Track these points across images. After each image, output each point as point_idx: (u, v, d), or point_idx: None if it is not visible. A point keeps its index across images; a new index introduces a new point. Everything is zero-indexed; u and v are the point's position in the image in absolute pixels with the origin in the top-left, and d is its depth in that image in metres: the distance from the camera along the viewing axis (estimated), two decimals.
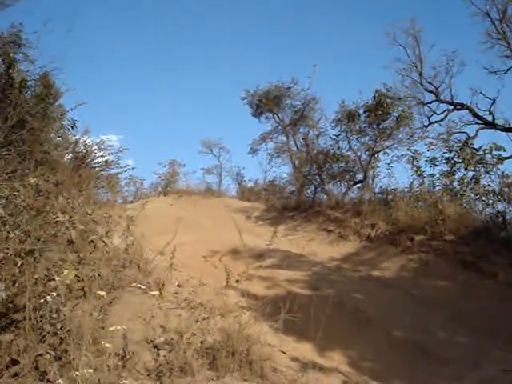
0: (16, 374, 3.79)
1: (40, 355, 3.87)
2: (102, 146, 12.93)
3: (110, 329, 4.20)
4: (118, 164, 13.11)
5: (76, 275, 4.61)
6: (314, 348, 6.56)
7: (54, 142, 11.12)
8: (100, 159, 12.65)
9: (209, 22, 43.57)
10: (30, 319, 4.01)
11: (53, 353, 3.88)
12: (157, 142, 42.69)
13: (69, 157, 11.98)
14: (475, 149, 14.34)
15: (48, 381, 3.70)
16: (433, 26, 28.75)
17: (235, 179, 25.63)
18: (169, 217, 14.24)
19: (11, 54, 10.01)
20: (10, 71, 9.95)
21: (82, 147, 12.45)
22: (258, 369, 5.03)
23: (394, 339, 7.64)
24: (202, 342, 5.10)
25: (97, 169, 12.49)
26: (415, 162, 15.26)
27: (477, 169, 13.82)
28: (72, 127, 11.44)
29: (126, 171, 13.64)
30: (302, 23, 41.68)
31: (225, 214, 16.73)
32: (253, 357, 5.11)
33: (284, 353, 6.26)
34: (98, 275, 5.23)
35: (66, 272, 4.31)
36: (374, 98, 17.80)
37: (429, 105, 16.89)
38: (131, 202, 17.95)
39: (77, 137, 12.24)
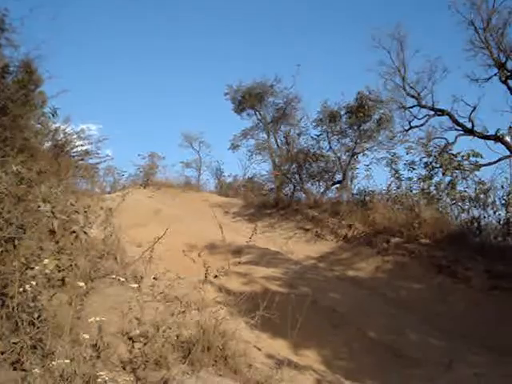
0: None
1: (16, 344, 3.84)
2: (82, 135, 12.84)
3: (89, 320, 4.18)
4: (98, 154, 13.03)
5: (56, 265, 4.58)
6: (289, 345, 6.61)
7: (34, 129, 10.99)
8: (79, 148, 12.56)
9: (194, 15, 43.46)
10: (7, 307, 3.97)
11: (29, 342, 3.85)
12: (137, 133, 42.58)
13: (48, 145, 11.86)
14: (453, 154, 14.45)
15: (24, 370, 3.67)
16: (418, 31, 29.04)
17: (214, 174, 25.60)
18: (147, 209, 14.23)
19: None
20: None
21: (62, 135, 12.34)
22: (233, 364, 5.04)
23: (368, 340, 7.71)
24: (177, 336, 5.08)
25: (76, 158, 12.39)
26: (394, 165, 15.39)
27: (454, 174, 13.95)
28: (53, 115, 11.32)
29: (105, 161, 13.57)
30: (289, 21, 41.81)
31: (203, 208, 16.74)
32: (228, 352, 5.12)
33: (259, 349, 6.29)
34: (76, 265, 5.19)
35: (46, 261, 4.28)
36: (356, 99, 17.90)
37: (410, 109, 17.02)
38: (109, 192, 17.87)
39: (57, 125, 12.13)
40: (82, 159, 12.55)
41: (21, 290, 3.97)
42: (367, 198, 15.75)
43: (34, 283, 4.01)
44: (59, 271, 4.70)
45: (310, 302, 6.42)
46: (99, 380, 3.66)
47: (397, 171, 15.20)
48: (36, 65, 11.04)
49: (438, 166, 14.44)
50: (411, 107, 16.99)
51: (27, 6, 10.39)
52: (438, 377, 6.52)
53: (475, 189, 12.83)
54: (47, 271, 4.26)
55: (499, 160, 14.16)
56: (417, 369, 6.86)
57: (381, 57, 17.28)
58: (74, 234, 5.52)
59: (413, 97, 16.82)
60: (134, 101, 45.80)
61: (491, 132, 14.94)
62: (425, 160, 14.87)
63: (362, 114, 17.65)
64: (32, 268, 4.26)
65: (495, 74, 14.73)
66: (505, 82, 14.49)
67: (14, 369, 3.76)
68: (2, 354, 3.79)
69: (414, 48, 16.86)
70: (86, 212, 6.11)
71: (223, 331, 5.25)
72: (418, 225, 12.07)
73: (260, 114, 22.17)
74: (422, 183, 14.47)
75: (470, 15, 14.59)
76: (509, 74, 14.37)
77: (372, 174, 16.94)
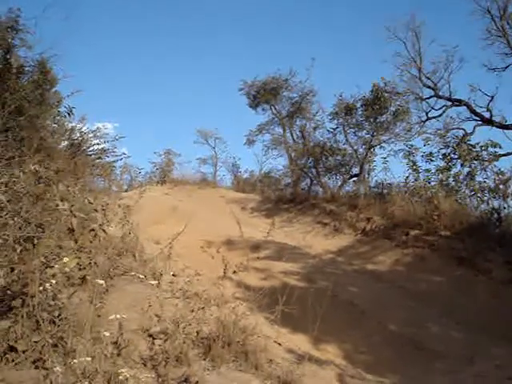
0: (13, 361, 3.78)
1: (37, 342, 3.85)
2: (98, 134, 12.87)
3: (109, 317, 4.19)
4: (114, 152, 13.06)
5: (77, 263, 4.60)
6: (309, 340, 6.59)
7: (50, 128, 11.05)
8: (96, 147, 12.60)
9: (208, 12, 43.46)
10: (27, 306, 3.99)
11: (50, 340, 3.86)
12: (153, 130, 42.67)
13: (65, 144, 11.92)
14: (472, 145, 14.33)
15: (45, 368, 3.68)
16: (433, 21, 28.73)
17: (230, 170, 25.60)
18: (164, 206, 14.26)
19: (9, 40, 9.92)
20: (8, 57, 9.87)
21: (78, 134, 12.39)
22: (253, 360, 5.02)
23: (389, 333, 7.67)
24: (197, 332, 5.08)
25: (92, 156, 12.43)
26: (411, 157, 15.28)
27: (472, 165, 13.84)
28: (69, 114, 11.36)
29: (121, 159, 13.60)
30: (302, 15, 41.67)
31: (220, 204, 16.76)
32: (248, 348, 5.11)
33: (280, 344, 6.27)
34: (95, 263, 5.20)
35: (66, 259, 4.29)
36: (372, 92, 17.78)
37: (427, 100, 16.86)
38: (126, 190, 17.94)
39: (73, 124, 12.17)
40: (98, 158, 12.58)
41: (41, 288, 3.98)
42: (385, 191, 15.71)
43: (53, 282, 4.03)
44: (79, 269, 4.72)
45: (330, 296, 6.39)
46: (120, 377, 3.67)
47: (414, 163, 15.10)
48: (50, 65, 11.08)
49: (456, 157, 14.35)
50: (428, 98, 16.84)
51: (40, 6, 10.43)
52: (459, 370, 6.46)
53: (494, 179, 12.70)
54: (67, 269, 4.27)
55: None
56: (438, 362, 6.81)
57: (396, 48, 17.18)
58: (93, 232, 5.54)
59: (429, 87, 16.66)
60: (150, 99, 46.02)
61: (510, 121, 14.77)
62: (443, 151, 14.81)
63: (378, 107, 17.54)
64: (52, 267, 4.27)
65: None
66: None
67: (36, 367, 3.78)
68: (24, 352, 3.81)
69: (429, 38, 16.70)
70: (104, 210, 6.13)
71: (243, 327, 5.24)
72: (437, 217, 11.97)
73: (275, 108, 22.14)
74: (440, 175, 14.38)
75: (486, 3, 14.43)
76: None
77: (389, 166, 16.85)
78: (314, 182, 19.56)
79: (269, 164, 23.65)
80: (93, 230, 5.54)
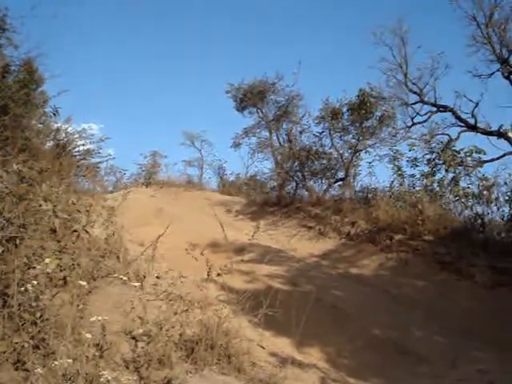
0: None
1: (18, 344, 3.82)
2: (84, 135, 12.81)
3: (91, 319, 4.16)
4: (99, 153, 13.00)
5: (58, 264, 4.56)
6: (292, 344, 6.58)
7: (35, 128, 10.97)
8: (81, 148, 12.53)
9: (194, 14, 43.36)
10: (8, 307, 3.95)
11: (31, 342, 3.82)
12: (139, 132, 42.48)
13: (50, 144, 11.84)
14: (456, 151, 14.43)
15: (26, 370, 3.65)
16: (419, 27, 28.75)
17: (216, 172, 25.50)
18: (149, 208, 14.20)
19: None
20: None
21: (64, 135, 12.31)
22: (236, 363, 5.03)
23: (372, 337, 7.69)
24: (180, 335, 5.07)
25: (78, 157, 12.36)
26: (396, 162, 15.38)
27: (457, 171, 13.93)
28: (54, 114, 11.29)
29: (106, 161, 13.54)
30: (289, 18, 41.69)
31: (205, 206, 16.70)
32: (232, 351, 5.11)
33: (263, 348, 6.27)
34: (78, 265, 5.17)
35: (47, 260, 4.26)
36: (358, 96, 17.84)
37: (412, 106, 16.85)
38: (111, 191, 17.83)
39: (58, 124, 12.10)
40: (83, 159, 12.51)
41: (22, 289, 3.95)
42: (370, 196, 15.78)
43: (35, 283, 3.99)
44: (61, 270, 4.68)
45: (314, 299, 6.40)
46: (102, 379, 3.64)
47: (399, 168, 15.21)
48: (37, 64, 11.02)
49: (440, 162, 14.44)
50: (414, 104, 16.85)
51: (27, 5, 10.34)
52: (442, 374, 6.51)
53: (478, 185, 12.81)
54: (49, 270, 4.24)
55: (502, 156, 14.04)
56: (421, 366, 6.85)
57: (382, 53, 17.16)
58: (76, 233, 5.50)
59: (415, 93, 16.70)
60: (136, 100, 45.65)
61: (494, 128, 14.85)
62: (427, 157, 14.91)
63: (364, 111, 17.59)
64: (34, 267, 4.24)
65: (498, 70, 14.56)
66: (507, 78, 14.37)
67: (16, 369, 3.74)
68: (4, 353, 3.77)
69: (415, 44, 16.72)
70: (87, 211, 6.09)
71: (226, 330, 5.24)
72: (421, 222, 12.05)
73: (262, 111, 22.10)
74: (424, 180, 14.49)
75: (472, 10, 14.48)
76: (511, 69, 14.29)
77: (375, 171, 16.96)
78: (300, 185, 19.55)
79: (255, 167, 23.56)
80: (75, 231, 5.50)
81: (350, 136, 18.60)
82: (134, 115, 45.20)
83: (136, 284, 5.91)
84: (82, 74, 40.14)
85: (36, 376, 3.47)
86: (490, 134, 14.93)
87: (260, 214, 17.64)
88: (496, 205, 11.97)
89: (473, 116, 15.36)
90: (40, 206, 4.98)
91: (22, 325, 3.88)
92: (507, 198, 11.84)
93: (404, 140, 16.67)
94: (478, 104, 15.16)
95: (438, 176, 14.34)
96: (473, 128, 15.38)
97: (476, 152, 13.91)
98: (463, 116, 15.60)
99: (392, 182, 15.35)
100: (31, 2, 9.99)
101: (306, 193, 19.07)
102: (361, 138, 18.18)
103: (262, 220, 15.60)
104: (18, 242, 4.53)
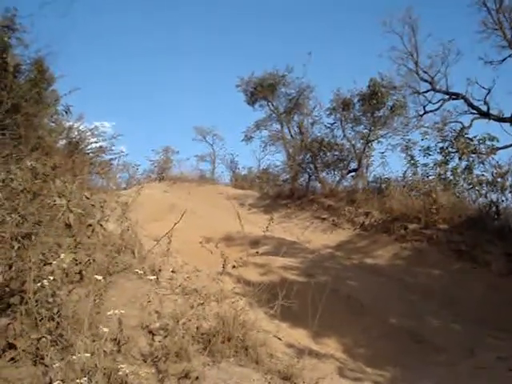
0: (12, 358, 3.77)
1: (36, 339, 3.85)
2: (96, 133, 12.85)
3: (108, 313, 4.18)
4: (112, 150, 13.04)
5: (74, 259, 4.59)
6: (309, 334, 6.60)
7: (48, 127, 11.01)
8: (94, 145, 12.57)
9: (205, 9, 43.38)
10: (26, 303, 3.98)
11: (49, 337, 3.85)
12: (151, 128, 42.60)
13: (63, 142, 11.89)
14: (469, 138, 14.36)
15: (44, 365, 3.68)
16: (429, 15, 28.60)
17: (229, 167, 25.59)
18: (163, 203, 14.25)
19: (5, 39, 9.88)
20: (4, 56, 9.83)
21: (76, 133, 12.36)
22: (253, 354, 5.03)
23: (388, 326, 7.67)
24: (197, 328, 5.08)
25: (90, 155, 12.41)
26: (409, 151, 15.32)
27: (470, 159, 13.85)
28: (66, 113, 11.33)
29: (119, 158, 13.57)
30: (298, 10, 41.56)
31: (219, 201, 16.75)
32: (248, 343, 5.11)
33: (280, 339, 6.27)
34: (94, 260, 5.19)
35: (62, 256, 4.28)
36: (369, 86, 17.78)
37: (424, 94, 16.82)
38: (124, 188, 17.92)
39: (70, 123, 12.14)
40: (96, 156, 12.56)
41: (39, 285, 3.97)
42: (383, 186, 15.73)
43: (51, 278, 4.02)
44: (76, 265, 4.70)
45: (329, 290, 6.39)
46: (120, 373, 3.67)
47: (412, 157, 15.14)
48: (48, 63, 11.04)
49: (454, 150, 14.35)
50: (425, 92, 16.81)
51: (36, 3, 10.37)
52: (460, 362, 6.48)
53: (492, 173, 12.73)
54: (65, 266, 4.26)
55: None
56: (438, 354, 6.83)
57: (393, 42, 17.11)
58: (91, 228, 5.52)
59: (426, 81, 16.64)
60: (147, 97, 45.91)
61: (507, 114, 14.75)
62: (440, 145, 14.84)
63: (375, 101, 17.55)
64: (50, 263, 4.26)
65: (509, 56, 14.51)
66: None
67: (35, 364, 3.77)
68: (23, 350, 3.80)
69: (425, 32, 16.69)
70: (101, 206, 6.12)
71: (243, 322, 5.24)
72: (435, 210, 12.01)
73: (272, 104, 22.08)
74: (438, 168, 14.40)
75: None
76: None
77: (387, 160, 16.98)
78: (312, 177, 19.56)
79: (267, 160, 23.62)
80: (90, 225, 5.52)
81: (362, 126, 18.66)
82: (145, 112, 45.39)
83: (152, 278, 5.92)
84: (93, 72, 40.33)
85: (55, 371, 3.50)
86: (503, 120, 14.84)
87: (273, 206, 17.65)
88: (510, 192, 11.89)
89: (485, 103, 15.31)
90: (54, 201, 5.01)
91: (40, 320, 3.91)
92: None
93: (416, 129, 16.67)
94: (490, 91, 15.11)
95: (452, 164, 14.31)
96: (485, 115, 15.29)
97: (489, 139, 13.83)
98: (475, 103, 15.55)
99: (405, 171, 15.34)
100: (40, 0, 9.99)
101: (319, 184, 19.07)
102: (373, 128, 18.16)
103: (275, 213, 15.62)
104: (33, 238, 4.56)
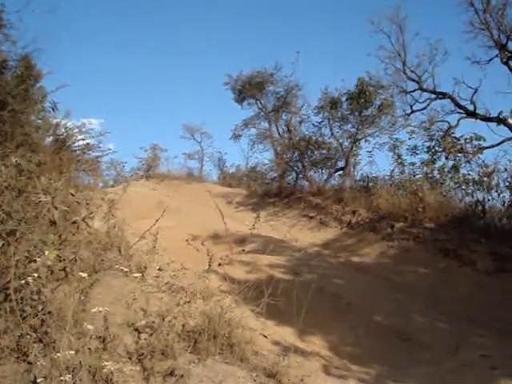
0: None
1: (21, 336, 3.83)
2: (83, 130, 12.80)
3: (93, 310, 4.18)
4: (99, 147, 13.00)
5: (58, 255, 4.57)
6: (295, 332, 6.61)
7: (34, 124, 10.95)
8: (81, 142, 12.52)
9: (192, 7, 43.24)
10: (10, 301, 3.96)
11: (34, 334, 3.85)
12: (138, 126, 42.50)
13: (49, 139, 11.83)
14: (456, 138, 14.42)
15: (29, 362, 3.67)
16: (417, 14, 28.70)
17: (217, 164, 25.56)
18: (150, 201, 14.21)
19: None
20: None
21: (63, 130, 12.30)
22: (239, 352, 5.04)
23: (374, 325, 7.71)
24: (183, 326, 5.08)
25: (78, 152, 12.36)
26: (396, 150, 15.37)
27: (457, 158, 13.91)
28: (53, 109, 11.28)
29: (107, 155, 13.55)
30: (287, 9, 41.56)
31: (206, 199, 16.69)
32: (234, 340, 5.12)
33: (265, 337, 6.28)
34: (79, 258, 5.17)
35: (47, 253, 4.27)
36: (357, 85, 17.83)
37: (411, 93, 16.82)
38: (112, 186, 17.88)
39: (58, 119, 12.08)
40: (83, 153, 12.50)
41: (23, 282, 3.96)
42: (370, 184, 15.80)
43: (36, 276, 4.00)
44: (61, 262, 4.69)
45: (315, 288, 6.42)
46: (105, 370, 3.66)
47: (399, 156, 15.19)
48: (35, 59, 10.99)
49: (440, 149, 14.42)
50: (412, 91, 16.82)
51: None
52: (445, 360, 6.51)
53: (479, 172, 12.80)
54: (49, 263, 4.25)
55: (502, 142, 14.02)
56: (424, 352, 6.86)
57: (381, 41, 17.10)
58: (75, 225, 5.50)
59: (414, 81, 16.66)
60: (136, 95, 45.74)
61: (493, 114, 14.83)
62: (427, 144, 14.88)
63: (363, 100, 17.60)
64: (34, 261, 4.25)
65: (496, 56, 14.54)
66: (506, 64, 14.32)
67: (20, 361, 3.76)
68: (7, 347, 3.79)
69: (413, 31, 16.67)
70: (87, 203, 6.10)
71: (229, 319, 5.24)
72: (421, 209, 12.08)
73: (261, 102, 22.11)
74: (425, 167, 14.47)
75: None
76: (510, 55, 14.19)
77: (375, 159, 16.99)
78: (300, 175, 19.60)
79: (255, 158, 23.61)
80: (75, 222, 5.50)
81: (350, 125, 18.70)
82: (133, 110, 45.26)
83: (138, 276, 5.92)
84: (81, 69, 40.18)
85: (39, 368, 3.49)
86: (490, 120, 14.91)
87: (261, 204, 17.67)
88: (496, 191, 11.96)
89: (472, 102, 15.36)
90: (39, 199, 4.98)
91: (24, 318, 3.89)
92: (507, 184, 11.81)
93: (403, 128, 16.70)
94: (476, 90, 15.16)
95: (438, 163, 14.35)
96: (472, 114, 15.36)
97: (476, 139, 13.87)
98: (462, 103, 15.59)
99: (392, 170, 15.39)
100: None
101: (307, 183, 19.11)
102: (360, 126, 18.21)
103: (262, 211, 15.63)
104: (17, 235, 4.54)
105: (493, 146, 14.13)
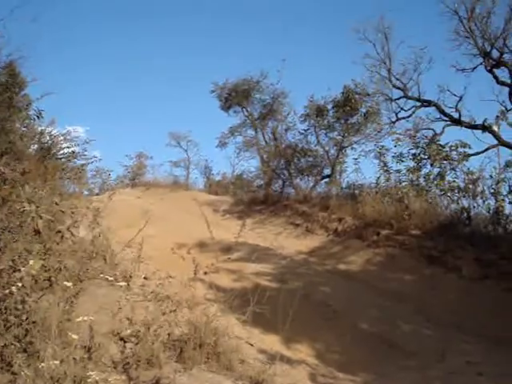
0: None
1: (5, 346, 3.79)
2: (68, 137, 12.76)
3: (77, 320, 4.14)
4: (85, 155, 12.96)
5: (42, 265, 4.53)
6: (281, 340, 6.59)
7: (19, 132, 10.90)
8: (66, 150, 12.48)
9: (178, 13, 43.27)
10: None
11: (18, 344, 3.80)
12: (124, 134, 42.39)
13: (34, 147, 11.78)
14: (441, 145, 14.49)
15: (13, 373, 3.63)
16: (402, 22, 28.97)
17: (203, 172, 25.57)
18: (136, 209, 14.17)
19: None
20: None
21: (48, 138, 12.25)
22: (225, 361, 5.01)
23: (361, 332, 7.72)
24: (169, 335, 5.05)
25: (63, 160, 12.31)
26: (382, 158, 15.42)
27: (442, 165, 13.98)
28: (38, 117, 11.24)
29: (92, 163, 13.51)
30: (273, 16, 41.71)
31: (192, 207, 16.66)
32: (220, 349, 5.09)
33: (251, 345, 6.27)
34: (64, 267, 5.14)
35: (31, 262, 4.23)
36: (343, 93, 17.92)
37: (397, 101, 16.94)
38: (97, 194, 17.81)
39: (42, 127, 12.04)
40: (68, 161, 12.45)
41: (7, 292, 3.92)
42: (356, 192, 15.82)
43: (20, 285, 3.97)
44: (46, 271, 4.65)
45: (302, 296, 6.42)
46: (90, 380, 3.63)
47: (385, 164, 15.25)
48: (19, 67, 10.95)
49: (426, 157, 14.49)
50: (398, 99, 16.93)
51: (7, 8, 10.26)
52: (431, 366, 6.54)
53: (464, 179, 12.88)
54: (34, 272, 4.21)
55: (487, 149, 14.16)
56: (410, 359, 6.88)
57: (366, 49, 17.20)
58: (60, 234, 5.46)
59: (399, 88, 16.77)
60: (121, 102, 45.65)
61: (478, 122, 14.95)
62: (413, 151, 14.92)
63: (348, 108, 17.69)
64: (19, 270, 4.21)
65: (481, 64, 14.70)
66: (490, 71, 14.49)
67: (3, 372, 3.72)
68: None
69: (398, 39, 16.80)
70: (72, 212, 6.06)
71: (215, 328, 5.22)
72: (407, 216, 12.12)
73: (247, 110, 22.13)
74: (410, 175, 14.52)
75: (454, 5, 14.58)
76: (494, 63, 14.37)
77: (360, 167, 17.02)
78: (286, 183, 19.63)
79: (241, 166, 23.62)
80: (59, 231, 5.46)
81: (336, 133, 18.78)
82: (119, 117, 45.12)
83: (123, 285, 5.89)
84: (66, 77, 39.88)
85: (23, 378, 3.46)
86: (475, 127, 15.04)
87: (247, 212, 17.66)
88: (482, 198, 12.03)
89: (457, 110, 15.49)
90: (23, 207, 4.95)
91: (8, 328, 3.85)
92: (492, 191, 11.89)
93: (389, 135, 16.77)
94: (461, 98, 15.30)
95: (424, 171, 14.39)
96: (457, 122, 15.48)
97: (461, 146, 13.95)
98: (447, 110, 15.73)
99: (378, 177, 15.39)
100: (11, 4, 9.90)
101: (293, 190, 19.15)
102: (346, 134, 18.31)
103: (249, 218, 15.63)
104: (2, 244, 4.50)
105: (478, 154, 14.25)
